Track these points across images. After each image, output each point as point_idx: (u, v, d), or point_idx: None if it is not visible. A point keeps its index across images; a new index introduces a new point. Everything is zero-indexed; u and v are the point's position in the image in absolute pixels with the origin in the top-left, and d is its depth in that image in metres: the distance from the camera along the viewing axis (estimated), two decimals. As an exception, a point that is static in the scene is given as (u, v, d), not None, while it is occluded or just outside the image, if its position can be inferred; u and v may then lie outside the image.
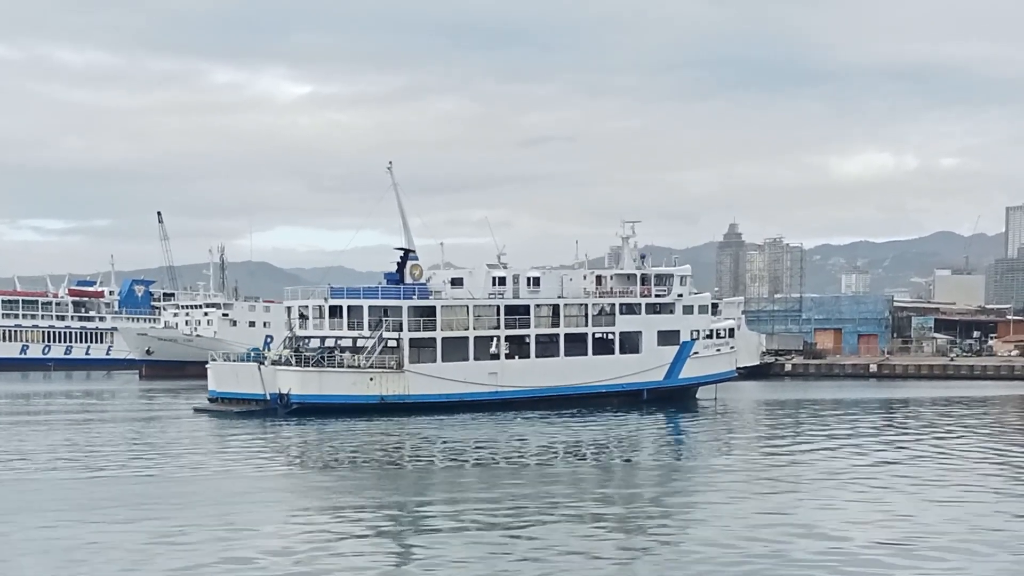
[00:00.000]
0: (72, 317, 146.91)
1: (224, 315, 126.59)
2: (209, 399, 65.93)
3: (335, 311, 65.64)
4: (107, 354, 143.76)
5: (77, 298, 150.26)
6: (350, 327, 65.03)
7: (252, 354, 69.03)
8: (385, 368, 63.30)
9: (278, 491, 34.92)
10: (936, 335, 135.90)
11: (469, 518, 28.71)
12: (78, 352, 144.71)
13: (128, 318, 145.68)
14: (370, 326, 64.30)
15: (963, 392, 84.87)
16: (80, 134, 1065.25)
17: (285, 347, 67.21)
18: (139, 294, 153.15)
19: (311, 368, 62.58)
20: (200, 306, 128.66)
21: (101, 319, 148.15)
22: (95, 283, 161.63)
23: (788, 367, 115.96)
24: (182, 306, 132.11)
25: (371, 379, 62.80)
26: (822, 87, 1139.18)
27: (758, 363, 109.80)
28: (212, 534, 26.57)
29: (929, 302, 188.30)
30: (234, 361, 67.63)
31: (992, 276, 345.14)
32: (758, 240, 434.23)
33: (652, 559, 23.93)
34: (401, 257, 69.25)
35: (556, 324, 70.09)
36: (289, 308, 69.39)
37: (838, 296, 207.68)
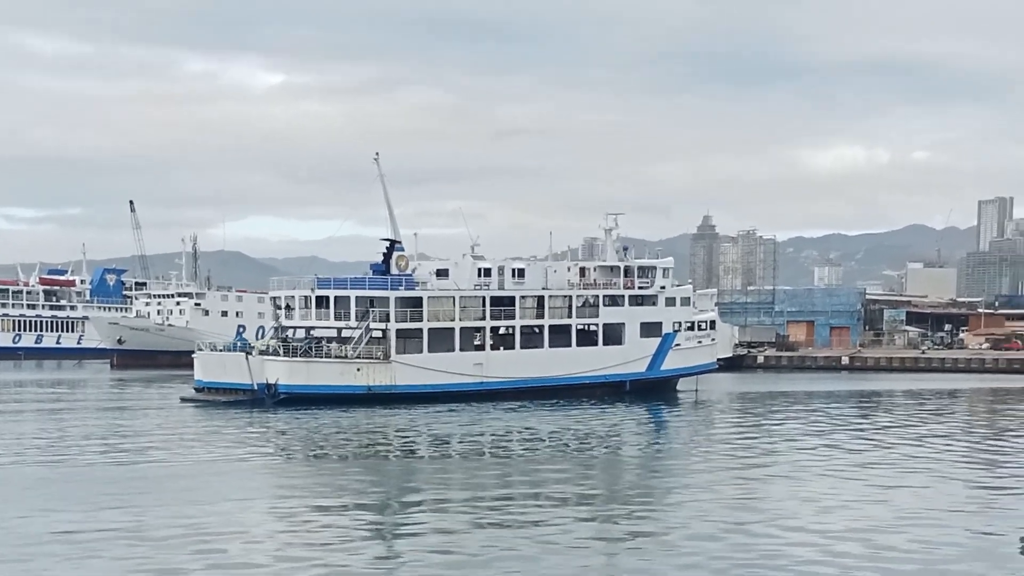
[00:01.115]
0: (43, 306, 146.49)
1: (196, 305, 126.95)
2: (195, 389, 66.71)
3: (322, 301, 66.62)
4: (78, 343, 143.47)
5: (48, 287, 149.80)
6: (337, 318, 66.03)
7: (239, 344, 69.90)
8: (372, 359, 64.46)
9: (267, 480, 35.77)
10: (908, 328, 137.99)
11: (454, 508, 29.55)
12: (49, 341, 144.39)
13: (100, 307, 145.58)
14: (357, 317, 65.39)
15: (934, 385, 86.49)
16: (52, 123, 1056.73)
17: (271, 337, 68.18)
18: (111, 283, 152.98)
19: (299, 358, 63.61)
20: (172, 295, 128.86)
21: (72, 308, 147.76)
22: (66, 272, 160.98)
23: (760, 359, 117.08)
24: (154, 295, 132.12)
25: (358, 369, 63.93)
26: (795, 81, 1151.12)
27: (731, 355, 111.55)
28: (195, 523, 27.14)
29: (901, 295, 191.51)
30: (221, 351, 68.43)
31: (964, 269, 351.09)
32: (732, 232, 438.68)
33: (634, 547, 24.77)
34: (387, 248, 70.33)
35: (541, 316, 71.51)
36: (275, 298, 70.33)
37: (811, 288, 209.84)
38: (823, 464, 38.98)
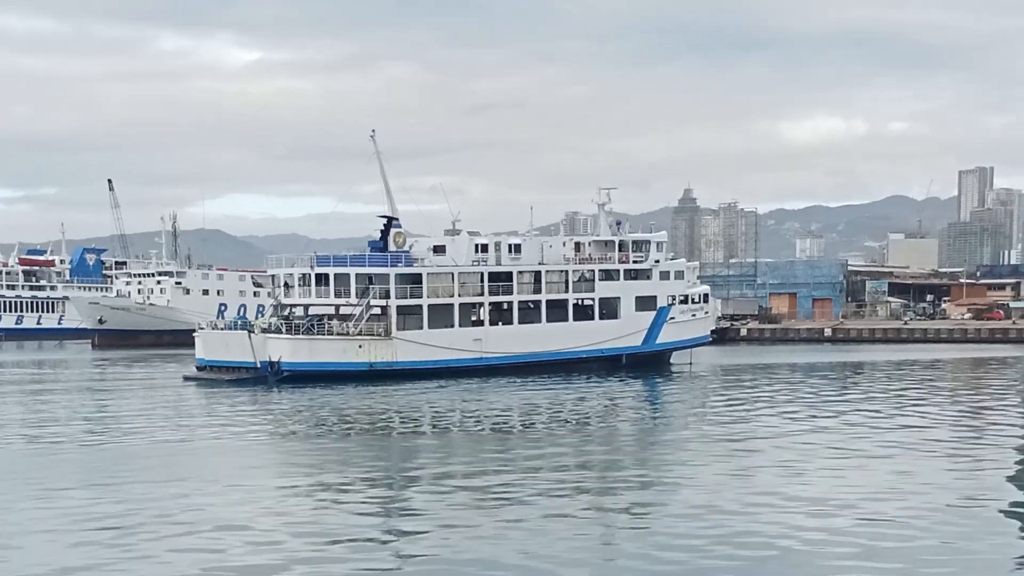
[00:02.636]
0: (22, 286, 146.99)
1: (177, 283, 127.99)
2: (197, 367, 68.18)
3: (321, 279, 68.15)
4: (59, 324, 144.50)
5: (27, 267, 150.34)
6: (337, 295, 67.54)
7: (239, 322, 71.45)
8: (373, 335, 66.21)
9: (285, 457, 36.90)
10: (890, 299, 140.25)
11: (455, 483, 30.31)
12: (29, 322, 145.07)
13: (80, 287, 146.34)
14: (357, 294, 67.05)
15: (916, 355, 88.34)
16: (27, 102, 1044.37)
17: (271, 315, 69.75)
18: (90, 263, 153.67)
19: (302, 336, 65.27)
20: (153, 274, 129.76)
21: (52, 288, 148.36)
22: (45, 252, 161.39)
23: (743, 332, 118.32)
24: (134, 274, 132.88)
25: (360, 346, 65.67)
26: (772, 53, 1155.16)
27: (714, 328, 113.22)
28: (207, 500, 28.03)
29: (883, 266, 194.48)
30: (223, 329, 69.95)
31: (945, 240, 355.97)
32: (713, 206, 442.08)
33: (631, 519, 25.53)
34: (385, 225, 71.93)
35: (538, 291, 73.41)
36: (274, 276, 71.82)
37: (792, 261, 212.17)
38: (811, 435, 39.97)
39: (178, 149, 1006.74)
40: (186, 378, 67.51)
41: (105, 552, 22.94)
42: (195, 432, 42.85)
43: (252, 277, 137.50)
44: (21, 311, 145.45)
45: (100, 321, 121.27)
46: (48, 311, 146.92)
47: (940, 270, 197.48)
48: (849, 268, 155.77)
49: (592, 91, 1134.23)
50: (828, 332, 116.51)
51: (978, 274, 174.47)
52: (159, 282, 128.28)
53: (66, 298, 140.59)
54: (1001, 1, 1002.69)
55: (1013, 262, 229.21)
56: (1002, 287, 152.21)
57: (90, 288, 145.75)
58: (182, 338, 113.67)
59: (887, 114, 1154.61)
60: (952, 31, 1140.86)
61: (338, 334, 65.90)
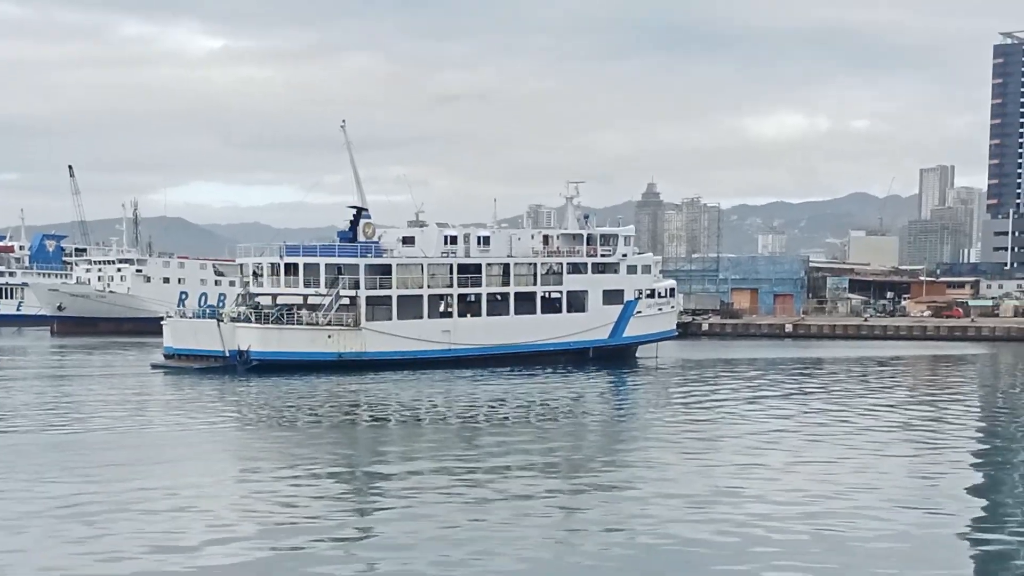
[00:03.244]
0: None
1: (138, 271, 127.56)
2: (165, 355, 68.37)
3: (290, 269, 68.55)
4: (17, 310, 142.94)
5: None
6: (306, 285, 67.86)
7: (208, 311, 71.70)
8: (343, 326, 66.79)
9: (253, 447, 37.26)
10: (851, 295, 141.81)
11: (420, 473, 30.77)
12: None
13: (39, 273, 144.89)
14: (327, 284, 67.56)
15: (876, 352, 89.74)
16: None
17: (239, 304, 70.08)
18: (50, 249, 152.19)
19: (271, 325, 65.71)
20: (113, 262, 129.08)
21: (11, 274, 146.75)
22: (4, 237, 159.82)
23: (705, 327, 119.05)
24: (95, 262, 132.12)
25: (329, 336, 66.23)
26: (736, 50, 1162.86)
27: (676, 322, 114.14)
28: (174, 487, 28.20)
29: (844, 263, 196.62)
30: (192, 318, 70.17)
31: (906, 237, 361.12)
32: (676, 200, 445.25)
33: (595, 514, 25.64)
34: (354, 215, 72.45)
35: (506, 283, 74.28)
36: (242, 265, 72.12)
37: (755, 256, 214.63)
38: (770, 430, 40.65)
39: (140, 136, 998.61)
40: (154, 366, 67.70)
41: (70, 540, 22.96)
42: (164, 420, 43.10)
43: (214, 266, 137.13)
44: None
45: (59, 308, 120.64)
46: (6, 297, 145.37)
47: (900, 267, 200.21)
48: (811, 264, 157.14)
49: (557, 85, 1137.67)
50: (789, 328, 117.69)
51: (938, 272, 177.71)
52: (119, 269, 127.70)
53: (25, 284, 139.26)
54: (964, 2, 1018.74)
55: (972, 260, 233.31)
56: (961, 285, 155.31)
57: (49, 275, 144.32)
58: (142, 326, 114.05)
59: (850, 112, 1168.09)
60: (915, 31, 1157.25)
61: (307, 324, 66.40)
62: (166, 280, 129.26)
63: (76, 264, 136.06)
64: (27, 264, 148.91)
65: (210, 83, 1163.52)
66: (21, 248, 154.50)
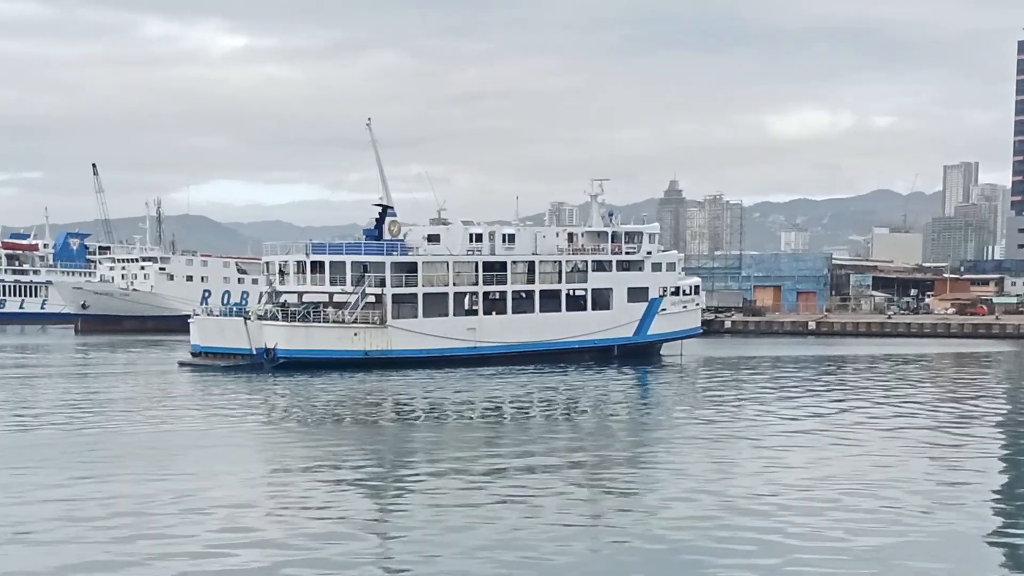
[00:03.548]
0: (5, 271, 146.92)
1: (161, 269, 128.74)
2: (192, 353, 69.09)
3: (316, 267, 69.08)
4: (41, 308, 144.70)
5: (11, 251, 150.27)
6: (332, 283, 68.39)
7: (235, 309, 72.37)
8: (369, 324, 67.29)
9: (285, 446, 37.49)
10: (874, 293, 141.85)
11: (445, 472, 30.85)
12: (12, 306, 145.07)
13: (63, 272, 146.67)
14: (353, 282, 68.05)
15: (900, 350, 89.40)
16: (12, 86, 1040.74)
17: (266, 302, 70.71)
18: (74, 247, 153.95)
19: (298, 323, 66.28)
20: (136, 260, 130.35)
21: (35, 273, 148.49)
22: (29, 236, 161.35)
23: (728, 324, 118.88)
24: (118, 260, 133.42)
25: (355, 334, 66.73)
26: (758, 46, 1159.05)
27: None
28: (210, 486, 28.59)
29: (867, 260, 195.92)
30: (219, 316, 70.85)
31: (929, 234, 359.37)
32: (698, 198, 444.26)
33: (619, 514, 25.70)
34: (380, 213, 72.92)
35: (531, 281, 74.59)
36: (268, 263, 72.75)
37: (777, 254, 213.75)
38: (795, 428, 40.72)
39: (163, 135, 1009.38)
40: (181, 364, 68.40)
41: (106, 540, 23.21)
42: (200, 418, 43.69)
43: (236, 264, 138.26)
44: (3, 295, 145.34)
45: (83, 306, 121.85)
46: (31, 295, 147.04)
47: (924, 265, 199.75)
48: (834, 262, 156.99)
49: (578, 82, 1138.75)
50: (812, 325, 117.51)
51: (962, 269, 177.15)
52: (143, 267, 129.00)
53: (49, 282, 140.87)
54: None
55: (997, 257, 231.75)
56: (985, 282, 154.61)
57: (73, 273, 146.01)
58: (165, 324, 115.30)
59: (873, 108, 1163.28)
60: (939, 26, 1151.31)
61: (334, 322, 66.91)
62: (189, 278, 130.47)
63: (100, 262, 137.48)
64: (51, 262, 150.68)
65: (232, 82, 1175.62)
66: (45, 246, 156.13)
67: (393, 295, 68.43)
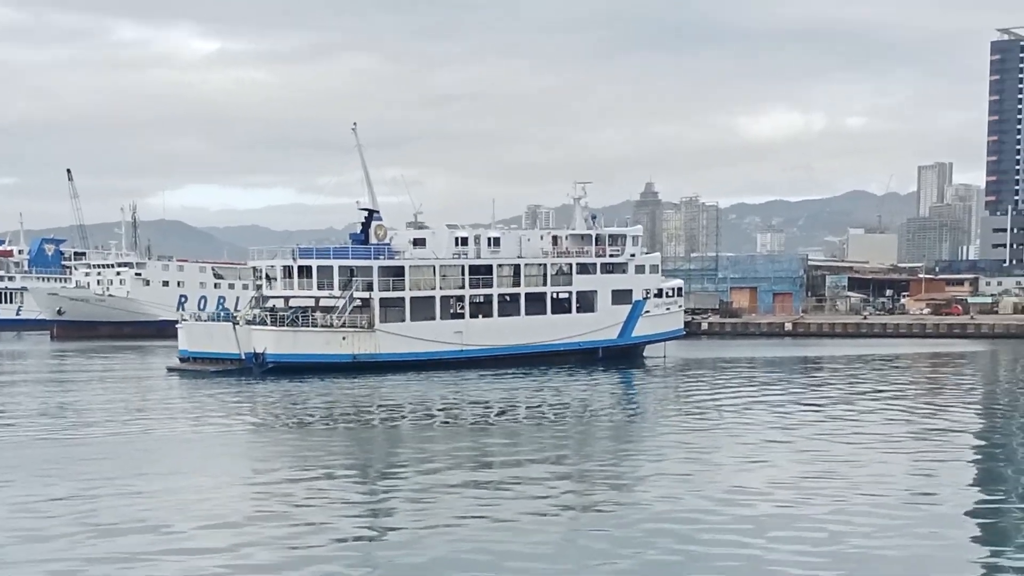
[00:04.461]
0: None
1: (137, 275, 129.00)
2: (180, 359, 69.91)
3: (303, 271, 70.04)
4: (16, 315, 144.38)
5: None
6: (319, 287, 69.26)
7: (223, 314, 73.27)
8: (357, 327, 68.40)
9: (275, 448, 38.40)
10: (850, 294, 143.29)
11: (432, 475, 31.43)
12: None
13: (38, 278, 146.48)
14: (340, 286, 69.09)
15: (875, 350, 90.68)
16: None
17: (253, 307, 71.62)
18: (49, 253, 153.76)
19: (286, 327, 67.30)
20: (112, 265, 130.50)
21: (10, 279, 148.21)
22: (3, 242, 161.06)
23: (704, 326, 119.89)
24: (94, 265, 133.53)
25: (344, 338, 67.77)
26: (731, 47, 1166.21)
27: None
28: (203, 491, 29.10)
29: (843, 261, 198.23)
30: (207, 321, 71.72)
31: (904, 235, 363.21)
32: (674, 199, 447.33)
33: (600, 516, 26.31)
34: (366, 217, 74.04)
35: (517, 284, 75.92)
36: (255, 268, 73.67)
37: (753, 255, 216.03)
38: (773, 428, 41.48)
39: (137, 139, 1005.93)
40: (170, 369, 69.19)
41: (90, 544, 23.58)
42: (189, 423, 44.36)
43: (213, 268, 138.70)
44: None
45: (59, 312, 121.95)
46: (6, 302, 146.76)
47: (899, 265, 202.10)
48: (809, 263, 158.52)
49: (553, 84, 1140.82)
50: (788, 326, 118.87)
51: (937, 269, 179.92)
52: (119, 273, 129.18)
53: (24, 289, 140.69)
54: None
55: (971, 258, 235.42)
56: (960, 282, 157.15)
57: (49, 279, 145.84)
58: (142, 329, 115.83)
59: (845, 109, 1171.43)
60: (911, 27, 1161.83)
61: (322, 326, 67.96)
62: (165, 283, 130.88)
63: (75, 268, 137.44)
64: (26, 268, 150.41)
65: (206, 86, 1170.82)
66: (20, 252, 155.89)
67: (381, 299, 69.50)
